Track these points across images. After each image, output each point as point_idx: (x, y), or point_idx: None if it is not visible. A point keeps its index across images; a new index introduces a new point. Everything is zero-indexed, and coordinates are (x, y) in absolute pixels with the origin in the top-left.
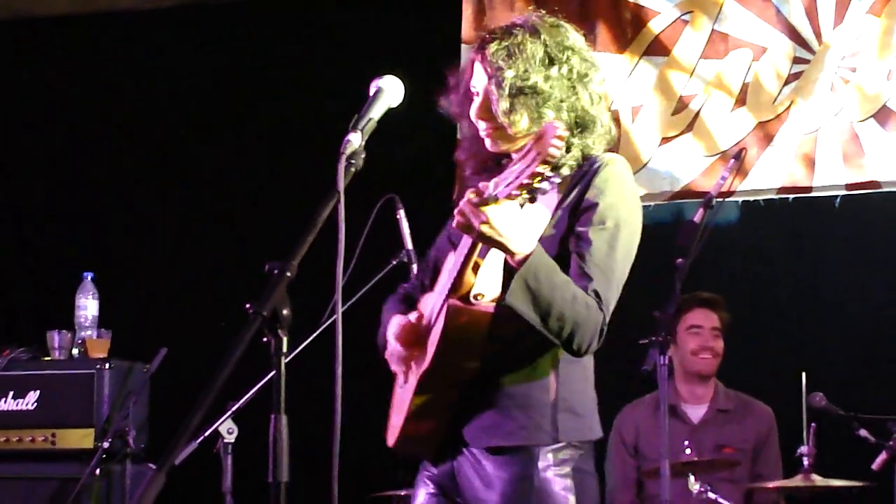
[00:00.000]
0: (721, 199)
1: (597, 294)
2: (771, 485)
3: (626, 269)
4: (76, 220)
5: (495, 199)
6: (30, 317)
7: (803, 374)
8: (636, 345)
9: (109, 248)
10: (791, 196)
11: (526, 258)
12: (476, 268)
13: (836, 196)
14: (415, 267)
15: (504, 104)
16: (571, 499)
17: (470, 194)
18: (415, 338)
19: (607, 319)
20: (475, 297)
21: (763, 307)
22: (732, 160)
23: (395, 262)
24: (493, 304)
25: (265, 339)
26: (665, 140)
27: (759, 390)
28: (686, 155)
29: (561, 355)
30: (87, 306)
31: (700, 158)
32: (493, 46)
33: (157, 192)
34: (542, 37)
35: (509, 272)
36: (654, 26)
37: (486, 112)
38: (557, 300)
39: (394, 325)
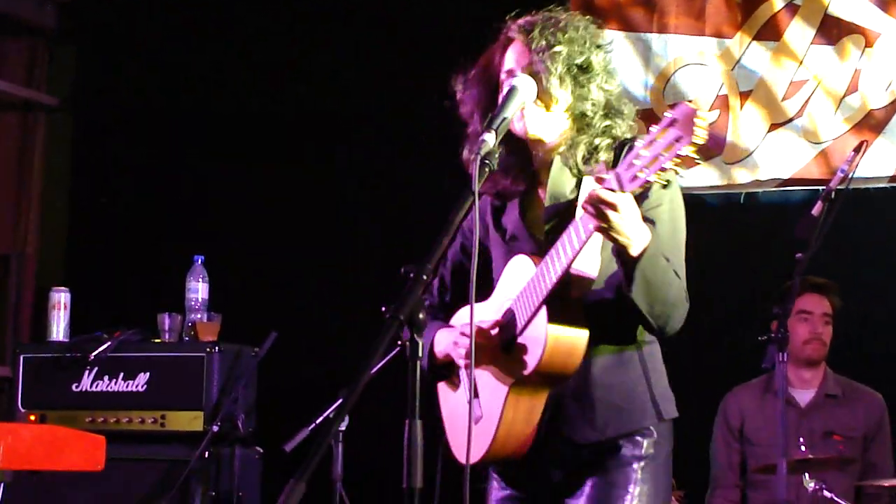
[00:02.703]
0: (840, 189)
1: (676, 274)
2: (885, 483)
3: (685, 243)
4: (187, 202)
5: (622, 190)
6: (141, 299)
7: None
8: (746, 335)
9: (220, 231)
10: None
11: (644, 250)
12: None
13: None
14: None
15: (555, 79)
16: (662, 482)
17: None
18: (488, 352)
19: (688, 297)
20: (578, 283)
21: (878, 298)
22: (852, 153)
23: None
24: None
25: (399, 343)
26: (775, 126)
27: (873, 383)
28: (796, 142)
29: (641, 338)
30: (198, 289)
31: (810, 146)
32: (537, 27)
33: (268, 175)
34: (586, 24)
35: (629, 264)
36: (765, 10)
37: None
38: (664, 286)
39: (445, 340)
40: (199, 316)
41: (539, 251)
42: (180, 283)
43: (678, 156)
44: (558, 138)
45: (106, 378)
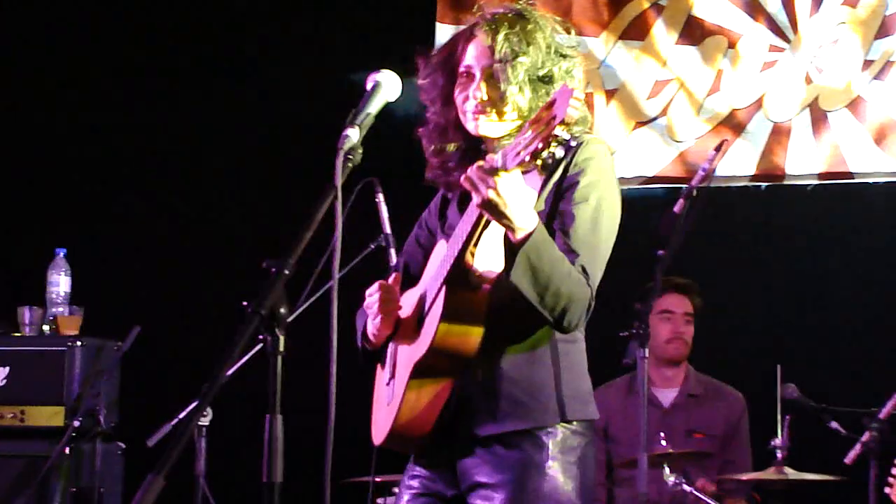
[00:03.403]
0: (701, 188)
1: (584, 270)
2: (743, 477)
3: (610, 245)
4: (49, 194)
5: (504, 168)
6: (0, 293)
7: (777, 366)
8: (608, 332)
9: (83, 223)
10: (764, 184)
11: (529, 234)
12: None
13: (809, 185)
14: (393, 252)
15: (514, 87)
16: (575, 482)
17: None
18: (400, 331)
19: (594, 295)
20: (476, 276)
21: (737, 297)
22: (713, 151)
23: (373, 247)
24: (490, 284)
25: (261, 337)
26: (639, 125)
27: (732, 381)
28: (660, 140)
29: (556, 335)
30: (59, 282)
31: (671, 145)
32: (503, 29)
33: (133, 167)
34: (551, 29)
35: (511, 248)
36: (631, 10)
37: (486, 91)
38: (555, 276)
39: (370, 320)
40: (60, 310)
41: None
42: (42, 275)
43: (551, 135)
44: (507, 136)
45: None
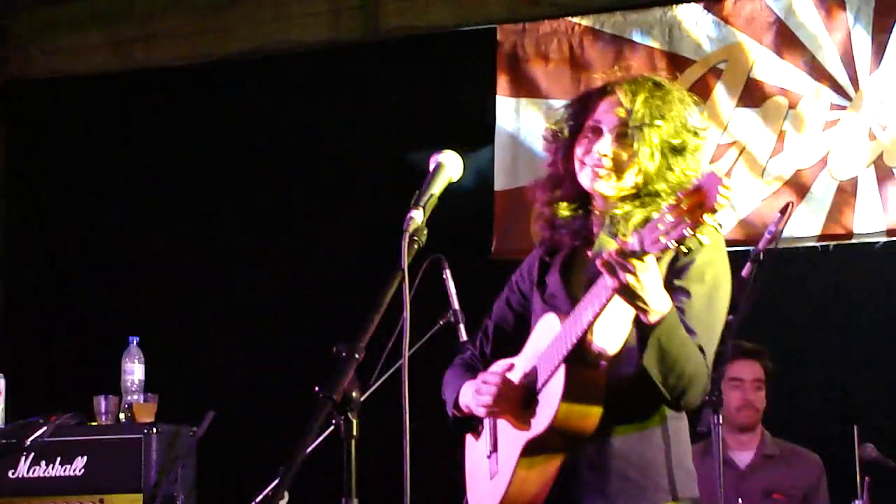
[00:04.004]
0: (768, 250)
1: (701, 349)
2: None
3: (722, 324)
4: (121, 283)
5: (644, 253)
6: (75, 382)
7: (854, 426)
8: None
9: (154, 311)
10: (831, 244)
11: (663, 317)
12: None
13: (877, 242)
14: (462, 328)
15: (646, 150)
16: None
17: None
18: (508, 404)
19: (710, 374)
20: (598, 354)
21: (810, 358)
22: (779, 214)
23: (442, 324)
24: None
25: (334, 422)
26: None
27: (809, 442)
28: None
29: (668, 412)
30: (134, 370)
31: (734, 210)
32: (644, 92)
33: (203, 255)
34: (689, 102)
35: (643, 330)
36: (691, 74)
37: (613, 150)
38: (681, 358)
39: (469, 391)
40: (135, 397)
41: (573, 311)
42: (115, 364)
43: (699, 222)
44: (620, 200)
45: (43, 463)
